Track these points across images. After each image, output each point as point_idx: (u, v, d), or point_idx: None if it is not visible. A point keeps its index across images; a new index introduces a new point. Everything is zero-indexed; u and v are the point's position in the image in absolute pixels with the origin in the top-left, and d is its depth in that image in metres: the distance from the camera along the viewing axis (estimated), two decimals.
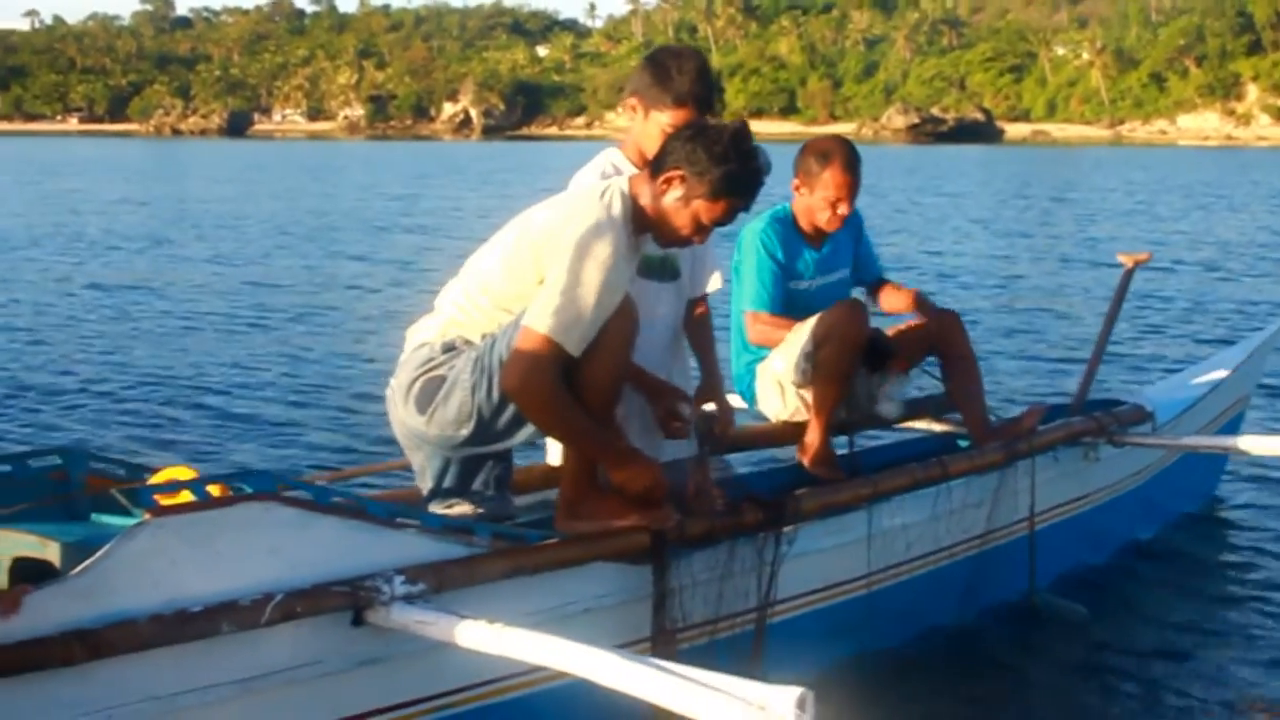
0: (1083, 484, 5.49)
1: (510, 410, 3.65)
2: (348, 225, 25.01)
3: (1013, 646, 4.85)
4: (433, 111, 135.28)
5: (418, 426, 3.76)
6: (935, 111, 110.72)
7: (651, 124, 4.21)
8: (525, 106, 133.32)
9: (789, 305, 5.02)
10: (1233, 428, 6.58)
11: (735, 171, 3.68)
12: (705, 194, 3.68)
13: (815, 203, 4.99)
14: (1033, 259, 19.56)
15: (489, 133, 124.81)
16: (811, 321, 4.88)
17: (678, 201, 3.70)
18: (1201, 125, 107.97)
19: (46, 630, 2.82)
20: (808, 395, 4.93)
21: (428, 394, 3.72)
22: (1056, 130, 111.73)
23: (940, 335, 5.15)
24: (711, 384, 4.67)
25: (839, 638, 4.42)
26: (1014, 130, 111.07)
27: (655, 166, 3.74)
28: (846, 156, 4.97)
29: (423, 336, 3.82)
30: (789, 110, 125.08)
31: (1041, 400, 6.32)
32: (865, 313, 4.89)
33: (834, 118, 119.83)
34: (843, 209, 4.97)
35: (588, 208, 3.62)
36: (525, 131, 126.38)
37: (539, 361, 3.51)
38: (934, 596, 4.79)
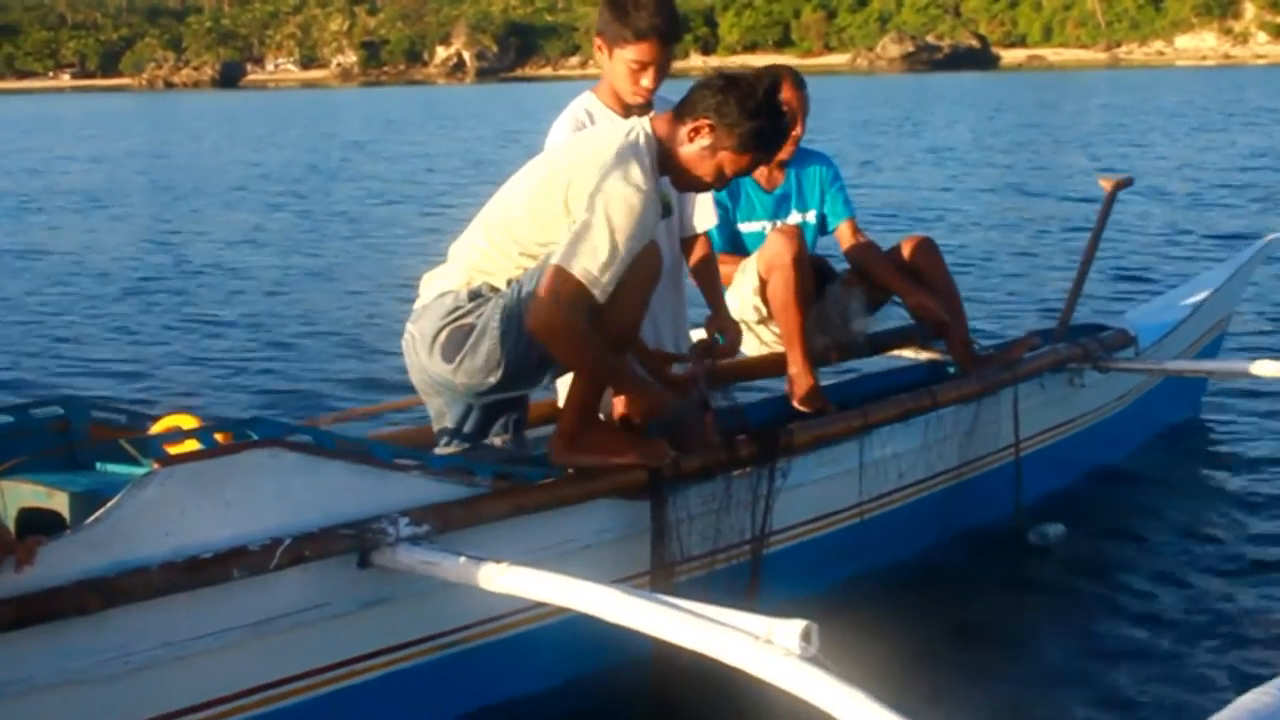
0: (1068, 409, 5.56)
1: (537, 356, 3.70)
2: (340, 174, 24.93)
3: (999, 568, 4.92)
4: (426, 56, 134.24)
5: (443, 374, 3.80)
6: (930, 40, 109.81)
7: (618, 62, 4.24)
8: (519, 48, 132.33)
9: (748, 246, 5.13)
10: (1214, 349, 6.64)
11: (765, 126, 3.72)
12: (734, 146, 3.72)
13: None
14: (1017, 186, 19.48)
15: (483, 75, 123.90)
16: (752, 259, 4.97)
17: (704, 150, 3.73)
18: (1199, 45, 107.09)
19: (62, 580, 2.90)
20: (771, 330, 5.02)
21: (455, 342, 3.75)
22: (1053, 55, 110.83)
23: (915, 262, 5.21)
24: (720, 311, 4.65)
25: (833, 566, 4.51)
26: (1010, 56, 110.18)
27: (683, 112, 3.76)
28: (793, 82, 5.05)
29: (445, 284, 3.83)
30: (783, 43, 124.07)
31: (1024, 326, 6.39)
32: (800, 238, 4.90)
33: (829, 49, 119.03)
34: (796, 129, 5.05)
35: (616, 152, 3.62)
36: (520, 73, 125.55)
37: (569, 302, 3.53)
38: (924, 523, 4.87)
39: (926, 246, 5.29)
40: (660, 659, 3.61)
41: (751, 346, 5.18)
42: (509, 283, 3.74)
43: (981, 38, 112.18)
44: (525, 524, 3.63)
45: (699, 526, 3.99)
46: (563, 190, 3.63)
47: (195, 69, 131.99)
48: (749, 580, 4.14)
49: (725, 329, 4.60)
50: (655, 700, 3.80)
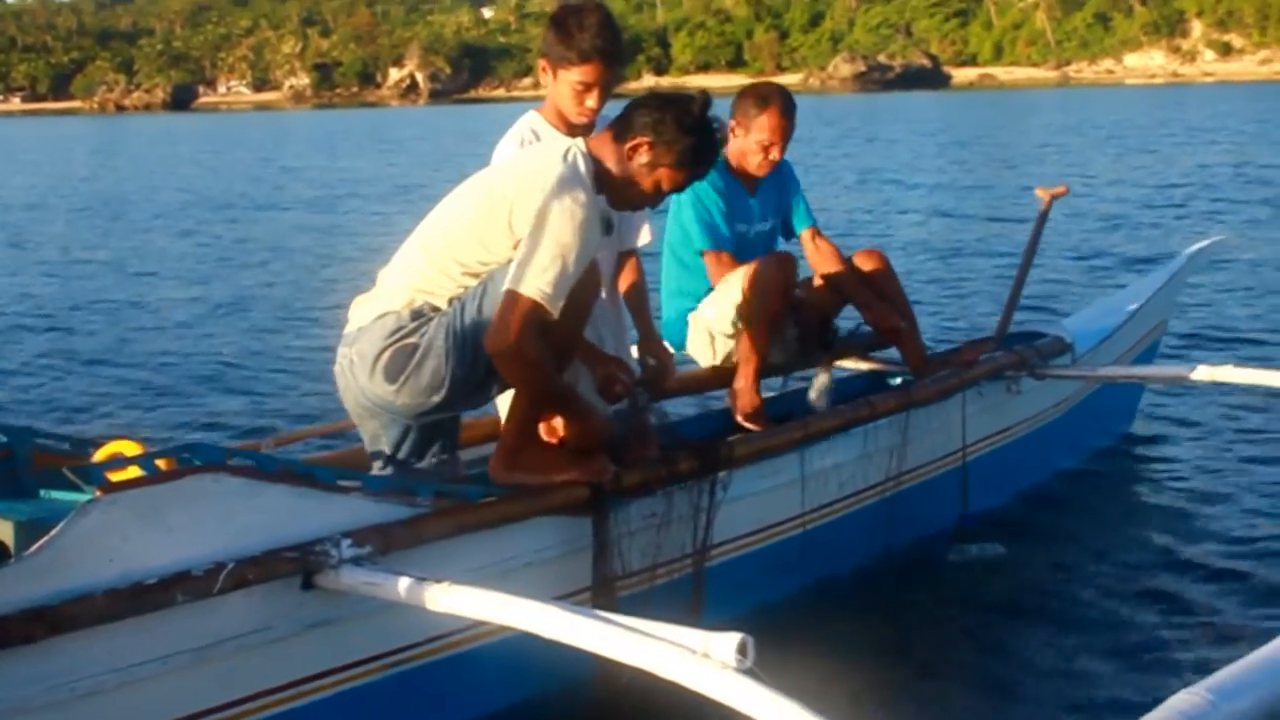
0: (1006, 416, 5.64)
1: (482, 373, 3.74)
2: (271, 200, 24.82)
3: (942, 578, 4.99)
4: (379, 78, 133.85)
5: (383, 396, 3.80)
6: (882, 59, 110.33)
7: (562, 84, 4.28)
8: (472, 69, 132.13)
9: (738, 248, 5.17)
10: (1150, 355, 6.73)
11: (701, 143, 3.81)
12: (671, 163, 3.80)
13: (748, 145, 5.13)
14: (959, 198, 19.76)
15: (436, 97, 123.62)
16: (741, 273, 5.03)
17: (643, 168, 3.81)
18: (1147, 63, 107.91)
19: (6, 609, 2.90)
20: (736, 344, 5.08)
21: (398, 363, 3.76)
22: (1003, 74, 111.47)
23: (869, 273, 5.31)
24: (649, 335, 4.77)
25: (777, 577, 4.57)
26: (961, 75, 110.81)
27: (619, 132, 3.83)
28: (783, 102, 5.14)
29: (384, 306, 3.83)
30: (736, 63, 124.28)
31: (965, 335, 6.49)
32: (793, 267, 5.02)
33: (781, 69, 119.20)
34: (774, 154, 5.13)
35: (557, 171, 3.68)
36: (473, 94, 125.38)
37: (525, 324, 3.57)
38: (867, 532, 4.94)
39: (878, 258, 5.41)
40: (604, 675, 3.65)
41: (704, 354, 5.24)
42: (451, 301, 3.77)
43: (933, 57, 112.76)
44: (467, 542, 3.66)
45: (640, 541, 4.04)
46: (506, 210, 3.68)
47: (147, 91, 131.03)
48: (692, 594, 4.19)
49: (656, 352, 4.66)
50: (599, 715, 3.84)
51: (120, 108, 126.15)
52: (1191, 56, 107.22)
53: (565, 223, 3.60)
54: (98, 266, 15.67)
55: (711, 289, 5.15)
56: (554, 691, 3.82)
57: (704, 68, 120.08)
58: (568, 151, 3.77)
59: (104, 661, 3.06)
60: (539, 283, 3.58)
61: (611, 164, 3.82)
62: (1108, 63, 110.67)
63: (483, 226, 3.73)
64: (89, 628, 3.01)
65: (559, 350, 3.76)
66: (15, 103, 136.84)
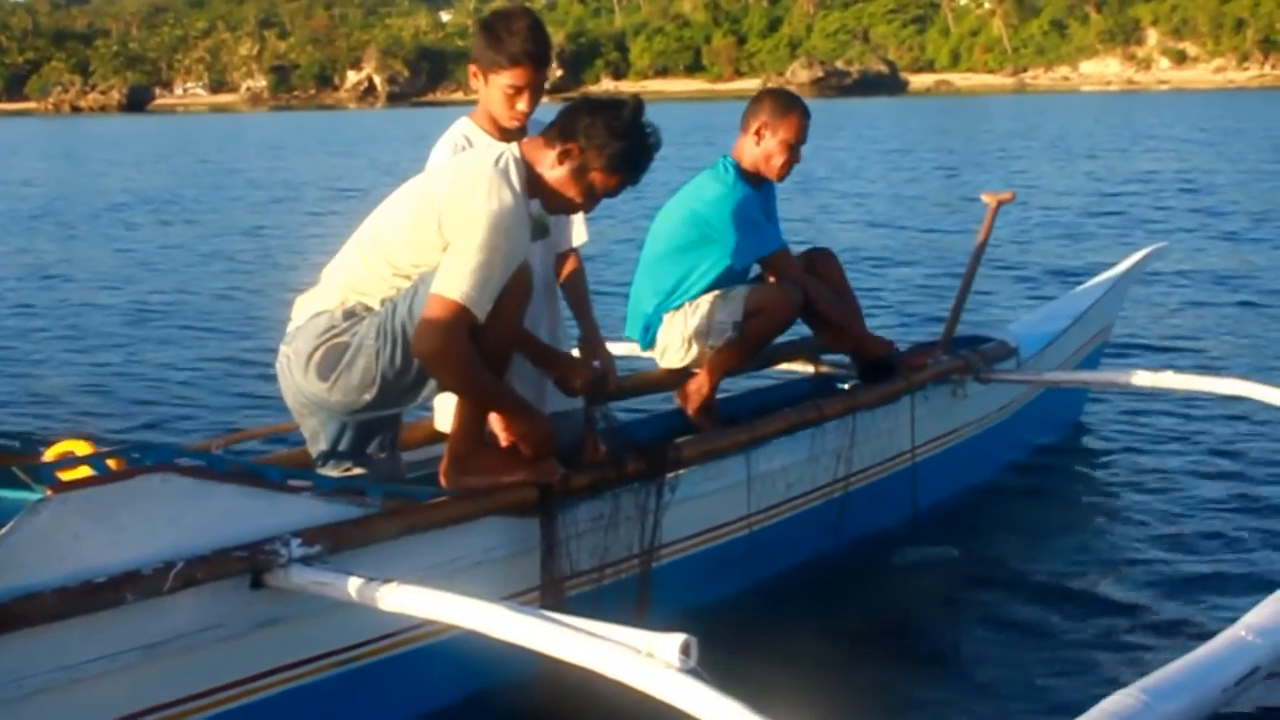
0: (952, 420, 5.72)
1: (413, 374, 3.77)
2: (231, 201, 24.72)
3: (888, 579, 5.05)
4: (336, 80, 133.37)
5: (318, 393, 3.85)
6: (840, 65, 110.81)
7: (493, 88, 4.33)
8: (430, 72, 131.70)
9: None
10: (1095, 359, 6.83)
11: (633, 147, 3.85)
12: (602, 167, 3.84)
13: (773, 147, 5.17)
14: (907, 204, 19.91)
15: (394, 100, 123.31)
16: (743, 290, 5.11)
17: (574, 172, 3.85)
18: (1103, 71, 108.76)
19: None
20: (718, 351, 5.13)
21: (330, 361, 3.81)
22: (960, 80, 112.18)
23: (819, 272, 5.37)
24: (592, 337, 4.80)
25: (723, 577, 4.63)
26: (918, 81, 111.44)
27: (551, 136, 3.87)
28: (805, 106, 5.24)
29: (320, 305, 3.89)
30: (694, 68, 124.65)
31: (912, 339, 6.58)
32: (800, 297, 5.10)
33: (739, 74, 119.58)
34: (798, 155, 5.21)
35: (487, 176, 3.72)
36: (430, 98, 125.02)
37: (451, 326, 3.62)
38: (815, 533, 5.00)
39: (828, 257, 5.48)
40: (550, 674, 3.66)
41: (673, 357, 5.27)
42: (383, 302, 3.82)
43: (890, 63, 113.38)
44: (416, 542, 3.70)
45: (588, 542, 4.09)
46: (436, 215, 3.72)
47: (103, 93, 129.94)
48: (638, 594, 4.24)
49: (599, 354, 4.72)
50: (545, 714, 3.88)
51: (76, 109, 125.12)
52: (1147, 64, 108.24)
53: (491, 228, 3.64)
54: (46, 268, 15.59)
55: (703, 293, 5.18)
56: (501, 690, 3.86)
57: (662, 72, 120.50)
58: (500, 157, 3.81)
59: (53, 659, 3.08)
60: (463, 286, 3.62)
61: (544, 169, 3.87)
62: (1064, 70, 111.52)
63: (414, 229, 3.77)
64: (38, 625, 3.02)
65: (493, 353, 3.79)
66: None
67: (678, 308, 5.22)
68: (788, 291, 5.11)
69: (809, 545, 5.00)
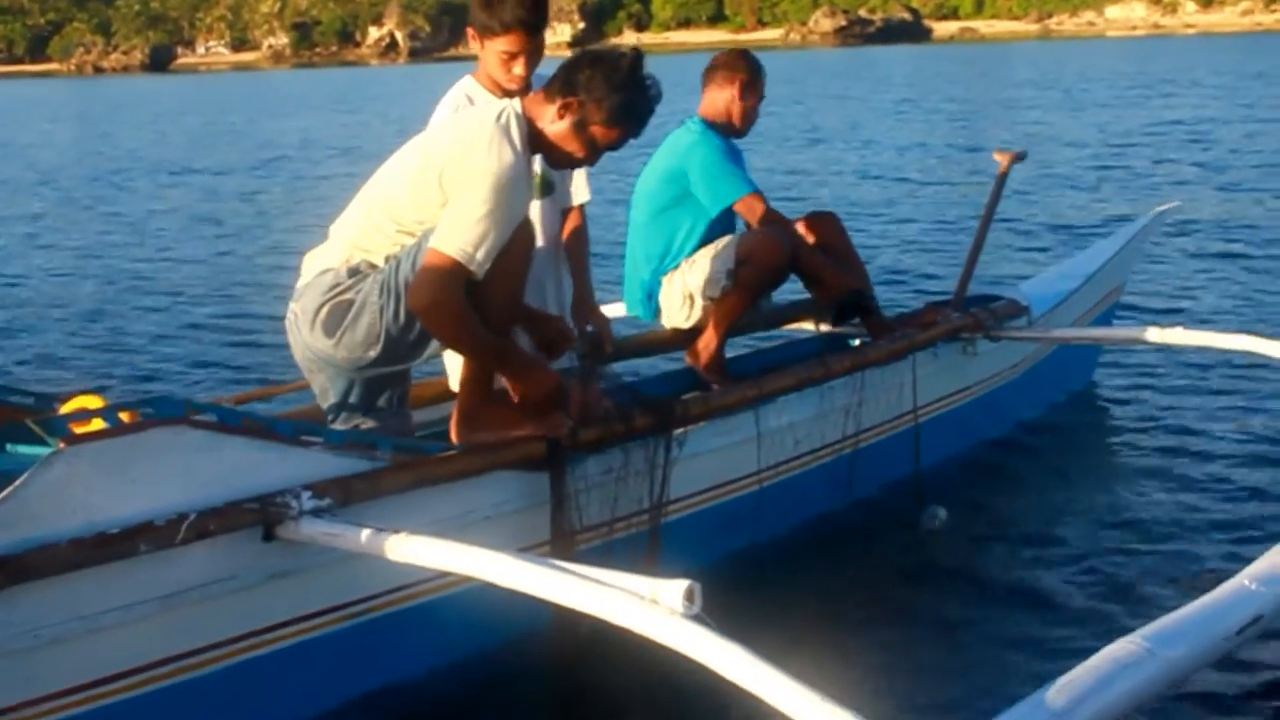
0: (962, 378, 5.72)
1: (416, 330, 3.80)
2: (247, 158, 24.79)
3: (893, 537, 5.07)
4: (358, 36, 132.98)
5: (325, 350, 3.89)
6: (863, 13, 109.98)
7: (489, 52, 4.37)
8: (451, 27, 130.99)
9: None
10: (1107, 319, 6.79)
11: (632, 99, 3.85)
12: (602, 120, 3.84)
13: (751, 106, 5.30)
14: (923, 159, 19.76)
15: (416, 55, 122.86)
16: (733, 239, 5.13)
17: (575, 126, 3.85)
18: (1129, 15, 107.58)
19: None
20: (716, 306, 5.15)
21: (335, 318, 3.84)
22: (985, 27, 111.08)
23: (820, 236, 5.39)
24: (585, 299, 4.80)
25: (732, 533, 4.66)
26: (942, 29, 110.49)
27: (552, 91, 3.88)
28: (760, 63, 5.39)
29: (326, 262, 3.93)
30: (717, 19, 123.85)
31: (925, 298, 6.57)
32: (790, 239, 5.13)
33: (762, 23, 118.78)
34: (757, 109, 5.36)
35: (487, 132, 3.73)
36: (453, 53, 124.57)
37: (446, 281, 3.65)
38: (822, 490, 5.03)
39: (830, 220, 5.50)
40: (561, 626, 3.73)
41: (678, 317, 5.29)
42: (387, 259, 3.84)
43: (914, 10, 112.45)
44: (427, 496, 3.73)
45: (598, 496, 4.12)
46: (437, 171, 3.74)
47: (124, 53, 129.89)
48: (648, 548, 4.27)
49: (593, 317, 4.72)
50: (556, 666, 3.93)
51: (98, 70, 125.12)
52: (1173, 8, 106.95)
53: (490, 184, 3.66)
54: (65, 226, 15.69)
55: (696, 249, 5.21)
56: (513, 642, 3.89)
57: (685, 23, 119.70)
58: (501, 113, 3.82)
59: (68, 610, 3.12)
60: (460, 242, 3.65)
61: (545, 124, 3.87)
62: (1089, 15, 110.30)
63: (416, 186, 3.79)
64: (53, 576, 3.06)
65: (495, 310, 3.81)
66: None
67: (675, 268, 5.25)
68: (775, 234, 5.12)
69: (819, 502, 5.03)
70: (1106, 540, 4.98)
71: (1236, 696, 3.82)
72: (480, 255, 3.67)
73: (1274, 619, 3.56)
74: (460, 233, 3.66)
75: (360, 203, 3.97)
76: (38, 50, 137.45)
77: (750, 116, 5.32)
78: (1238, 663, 3.85)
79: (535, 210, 4.45)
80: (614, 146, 3.95)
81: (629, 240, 5.40)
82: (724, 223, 5.24)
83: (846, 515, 5.10)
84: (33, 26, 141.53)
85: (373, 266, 3.87)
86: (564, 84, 3.85)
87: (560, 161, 3.98)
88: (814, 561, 4.78)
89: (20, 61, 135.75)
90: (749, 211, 5.22)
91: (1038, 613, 4.40)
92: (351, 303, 3.83)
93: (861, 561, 4.85)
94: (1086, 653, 3.17)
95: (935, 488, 5.36)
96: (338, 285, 3.86)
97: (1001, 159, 6.12)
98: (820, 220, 5.48)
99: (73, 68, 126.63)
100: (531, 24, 4.32)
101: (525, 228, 3.84)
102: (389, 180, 3.91)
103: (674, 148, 5.24)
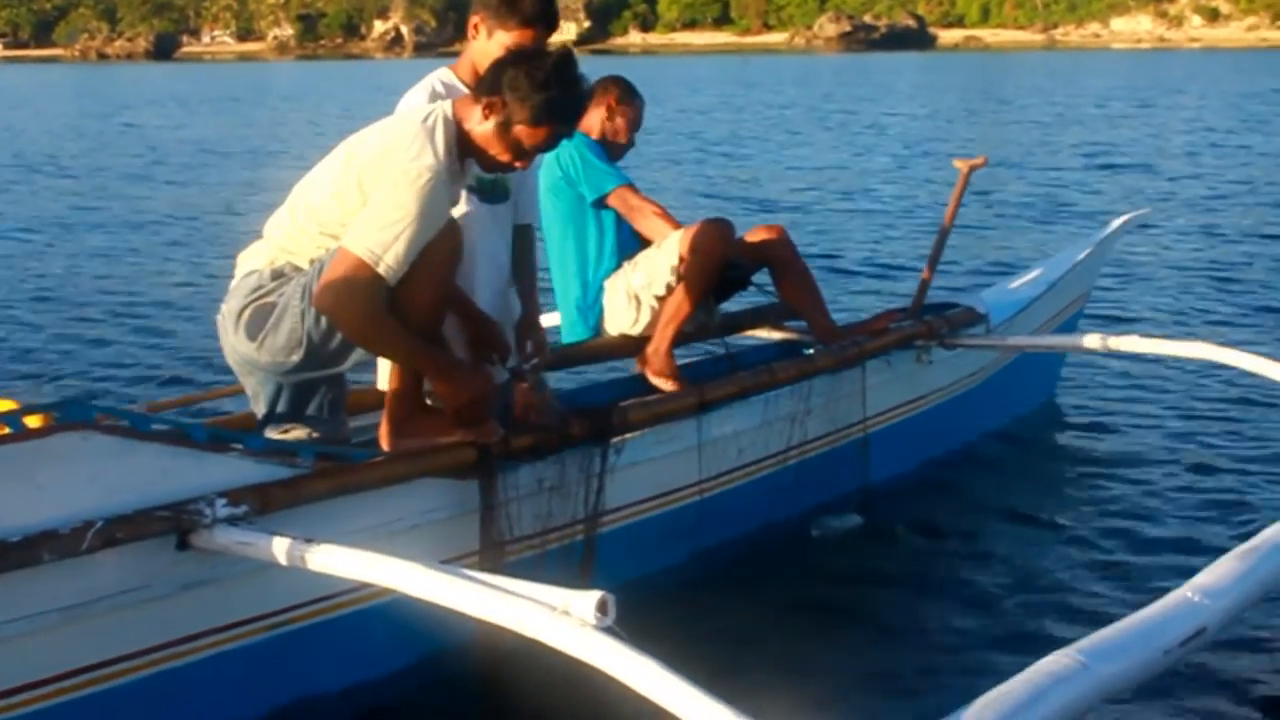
0: (915, 387, 5.63)
1: (339, 336, 3.72)
2: (202, 153, 24.50)
3: (837, 548, 5.00)
4: (363, 29, 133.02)
5: (249, 353, 3.83)
6: (868, 19, 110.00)
7: (494, 44, 4.21)
8: (456, 22, 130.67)
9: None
10: (1070, 328, 6.69)
11: (557, 97, 3.75)
12: (527, 119, 3.74)
13: (620, 127, 5.38)
14: (887, 166, 19.78)
15: (421, 49, 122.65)
16: (676, 235, 5.06)
17: (499, 127, 3.76)
18: (1134, 28, 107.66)
19: None
20: (661, 307, 5.09)
21: (258, 321, 3.78)
22: (990, 36, 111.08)
23: (769, 251, 5.31)
24: (532, 318, 4.63)
25: (671, 545, 4.58)
26: (947, 37, 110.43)
27: (479, 92, 3.80)
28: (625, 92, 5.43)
29: (253, 263, 3.87)
30: (722, 21, 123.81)
31: (885, 305, 6.51)
32: (731, 231, 5.06)
33: (767, 27, 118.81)
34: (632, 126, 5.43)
35: (410, 134, 3.67)
36: (458, 47, 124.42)
37: (352, 282, 3.57)
38: (766, 501, 4.94)
39: (778, 236, 5.40)
40: (486, 640, 3.64)
41: (624, 322, 5.23)
42: (311, 262, 3.78)
43: (919, 18, 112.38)
44: (350, 504, 3.66)
45: (530, 505, 4.04)
46: (357, 172, 3.68)
47: (129, 40, 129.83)
48: (583, 560, 4.20)
49: (534, 336, 4.58)
50: (479, 680, 3.86)
51: (103, 56, 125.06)
52: (1178, 22, 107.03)
53: (407, 186, 3.59)
54: (15, 223, 15.25)
55: (615, 246, 5.20)
56: (436, 656, 3.83)
57: (690, 25, 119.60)
58: (429, 115, 3.75)
59: None
60: (368, 243, 3.58)
61: (472, 125, 3.79)
62: (1094, 26, 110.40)
63: (340, 187, 3.73)
64: None
65: (417, 312, 3.73)
66: None
67: (616, 269, 5.21)
68: (715, 222, 5.06)
69: (762, 513, 4.94)
70: (1053, 552, 4.94)
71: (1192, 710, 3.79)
72: (389, 258, 3.59)
73: (1220, 632, 3.50)
74: (370, 234, 3.59)
75: (289, 204, 3.90)
76: (43, 35, 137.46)
77: (618, 132, 5.35)
78: (1189, 677, 3.82)
79: (489, 215, 4.32)
80: (545, 147, 3.87)
81: (551, 270, 5.34)
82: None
83: (790, 527, 5.03)
84: (38, 11, 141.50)
85: (297, 269, 3.80)
86: (490, 84, 3.77)
87: (491, 164, 3.89)
88: (755, 574, 4.70)
89: (25, 46, 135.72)
90: (622, 203, 5.22)
91: (976, 625, 4.35)
92: (274, 306, 3.77)
93: (802, 575, 4.77)
94: (1022, 666, 3.10)
95: (884, 499, 5.30)
96: (260, 288, 3.80)
97: (961, 166, 6.04)
98: (765, 231, 5.41)
99: (77, 53, 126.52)
100: (550, 22, 4.23)
101: (451, 231, 3.75)
102: (316, 182, 3.84)
103: (548, 163, 5.22)
